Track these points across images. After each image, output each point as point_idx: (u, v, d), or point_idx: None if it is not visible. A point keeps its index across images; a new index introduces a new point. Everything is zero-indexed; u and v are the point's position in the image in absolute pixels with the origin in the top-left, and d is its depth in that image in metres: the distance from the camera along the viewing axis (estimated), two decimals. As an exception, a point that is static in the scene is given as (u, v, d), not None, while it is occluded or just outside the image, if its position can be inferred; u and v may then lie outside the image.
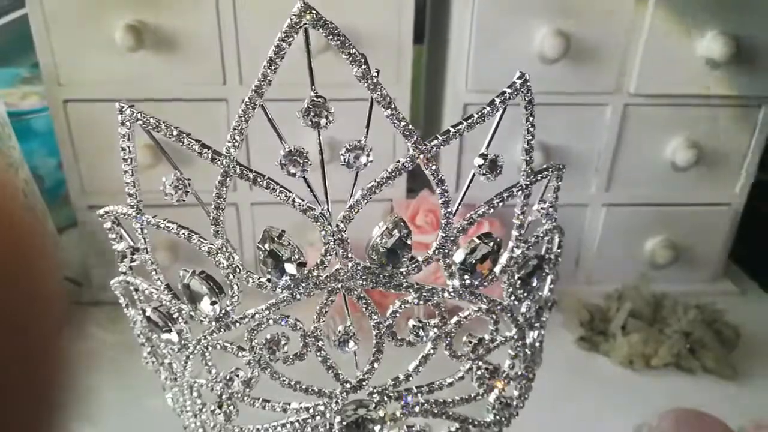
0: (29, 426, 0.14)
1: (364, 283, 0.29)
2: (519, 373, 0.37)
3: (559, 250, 0.37)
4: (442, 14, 0.64)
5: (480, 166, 0.28)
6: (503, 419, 0.38)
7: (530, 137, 0.29)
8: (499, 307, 0.33)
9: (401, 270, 0.29)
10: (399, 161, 0.27)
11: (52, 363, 0.15)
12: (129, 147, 0.28)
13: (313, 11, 0.24)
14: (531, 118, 0.29)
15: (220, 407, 0.34)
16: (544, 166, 0.32)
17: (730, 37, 0.57)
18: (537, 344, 0.38)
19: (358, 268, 0.28)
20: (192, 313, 0.31)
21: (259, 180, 0.27)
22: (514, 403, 0.38)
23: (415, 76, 0.61)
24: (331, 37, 0.24)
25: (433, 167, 0.27)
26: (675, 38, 0.59)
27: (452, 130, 0.27)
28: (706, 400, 0.51)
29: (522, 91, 0.28)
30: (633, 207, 0.67)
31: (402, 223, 0.28)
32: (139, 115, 0.27)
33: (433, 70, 0.70)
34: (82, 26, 0.55)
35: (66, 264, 0.70)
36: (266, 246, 0.28)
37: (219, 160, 0.26)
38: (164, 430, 0.51)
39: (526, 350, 0.37)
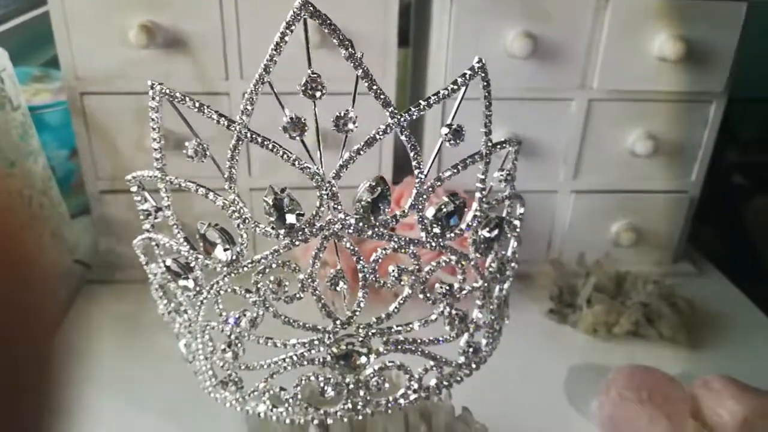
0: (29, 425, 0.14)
1: (352, 231, 0.35)
2: (486, 322, 0.43)
3: (520, 216, 0.43)
4: (424, 19, 0.70)
5: (446, 134, 0.34)
6: (473, 363, 0.44)
7: (488, 113, 0.35)
8: (465, 258, 0.39)
9: (382, 221, 0.35)
10: (379, 128, 0.33)
11: (48, 364, 0.15)
12: (157, 118, 0.34)
13: (310, 5, 0.30)
14: (488, 96, 0.35)
15: (228, 346, 0.40)
16: (502, 140, 0.38)
17: (681, 39, 0.64)
18: (502, 298, 0.44)
19: (347, 218, 0.34)
20: (207, 261, 0.37)
21: (265, 143, 0.32)
22: (483, 349, 0.44)
23: (402, 75, 0.68)
24: (324, 25, 0.30)
25: (407, 133, 0.33)
26: (632, 39, 0.66)
27: (422, 103, 0.33)
28: (662, 364, 0.57)
29: (479, 73, 0.34)
30: (598, 194, 0.74)
31: (382, 181, 0.34)
32: (167, 91, 0.33)
33: (418, 69, 0.76)
34: (98, 25, 0.61)
35: (76, 247, 0.75)
36: (270, 199, 0.34)
37: (233, 126, 0.32)
38: (162, 391, 0.57)
39: (492, 301, 0.43)
